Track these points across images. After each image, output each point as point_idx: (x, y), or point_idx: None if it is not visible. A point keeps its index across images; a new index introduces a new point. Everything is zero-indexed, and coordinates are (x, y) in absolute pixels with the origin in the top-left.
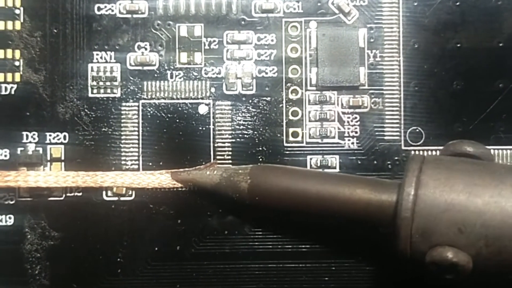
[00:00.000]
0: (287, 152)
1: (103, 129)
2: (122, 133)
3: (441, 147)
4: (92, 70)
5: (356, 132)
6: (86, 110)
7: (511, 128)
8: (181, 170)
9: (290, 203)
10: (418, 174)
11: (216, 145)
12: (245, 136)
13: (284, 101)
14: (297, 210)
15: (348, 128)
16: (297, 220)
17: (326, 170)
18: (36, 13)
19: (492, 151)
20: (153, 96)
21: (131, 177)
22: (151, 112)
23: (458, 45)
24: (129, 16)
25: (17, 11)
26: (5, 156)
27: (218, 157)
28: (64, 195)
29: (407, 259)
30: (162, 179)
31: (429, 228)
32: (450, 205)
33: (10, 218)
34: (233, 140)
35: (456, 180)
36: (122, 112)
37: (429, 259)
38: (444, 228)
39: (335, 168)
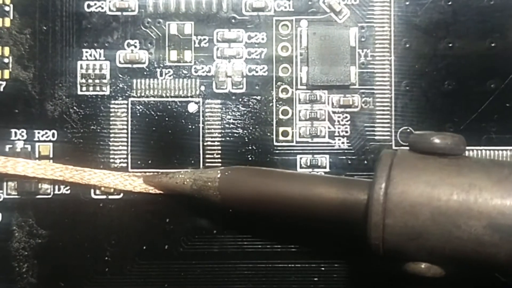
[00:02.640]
0: (277, 151)
1: (92, 127)
2: (111, 131)
3: None
4: (81, 68)
5: (346, 132)
6: (75, 107)
7: (503, 129)
8: (153, 175)
9: (263, 209)
10: (389, 172)
11: (205, 143)
12: (235, 135)
13: (274, 100)
14: (271, 214)
15: (339, 128)
16: (285, 221)
17: (316, 170)
18: (26, 10)
19: (484, 152)
20: (143, 94)
21: (106, 177)
22: (140, 110)
23: (450, 45)
24: (119, 13)
25: (6, 8)
26: None
27: (207, 155)
28: (52, 193)
29: (381, 256)
30: (136, 182)
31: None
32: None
33: None
34: (223, 139)
35: (424, 185)
36: (111, 110)
37: (403, 270)
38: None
39: (325, 167)
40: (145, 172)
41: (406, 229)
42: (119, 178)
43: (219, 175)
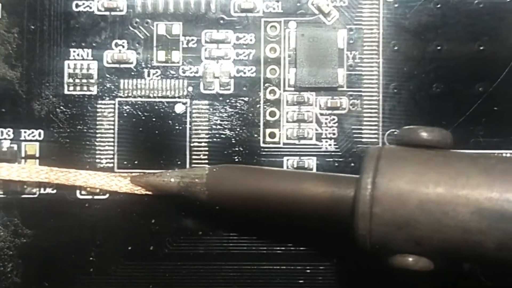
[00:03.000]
0: (264, 153)
1: (79, 126)
2: (97, 131)
3: None
4: (68, 67)
5: (334, 134)
6: (62, 107)
7: (491, 132)
8: (140, 175)
9: (250, 206)
10: (376, 163)
11: (192, 144)
12: (222, 136)
13: (261, 102)
14: (259, 211)
15: (326, 130)
16: (272, 221)
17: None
18: (14, 9)
19: None
20: (130, 94)
21: (92, 178)
22: (127, 110)
23: (439, 48)
24: (107, 13)
25: None
26: None
27: (194, 156)
28: (38, 193)
29: (368, 250)
30: (123, 183)
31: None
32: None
33: None
34: (210, 140)
35: (412, 174)
36: (98, 110)
37: (391, 265)
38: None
39: (312, 170)
40: (131, 173)
41: (394, 218)
42: (105, 179)
43: (206, 172)
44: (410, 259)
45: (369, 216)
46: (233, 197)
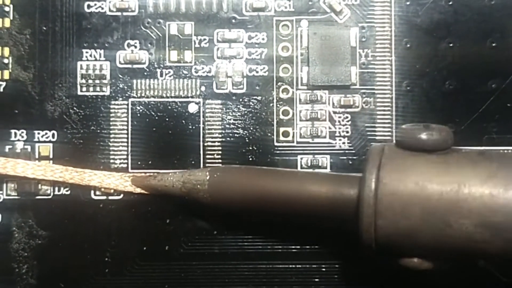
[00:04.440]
0: (278, 152)
1: (92, 127)
2: (111, 131)
3: None
4: (81, 68)
5: (347, 132)
6: (75, 108)
7: (504, 129)
8: (142, 177)
9: (254, 209)
10: (377, 173)
11: (205, 144)
12: (235, 135)
13: (274, 100)
14: (263, 214)
15: (339, 128)
16: (285, 221)
17: (316, 170)
18: (26, 11)
19: None
20: (143, 95)
21: (100, 177)
22: (140, 110)
23: (451, 45)
24: (119, 14)
25: (6, 8)
26: None
27: (207, 156)
28: (52, 194)
29: (373, 252)
30: (124, 183)
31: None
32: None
33: None
34: (223, 139)
35: (413, 185)
36: (111, 110)
37: (396, 266)
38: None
39: (326, 168)
40: (145, 173)
41: (397, 230)
42: (111, 179)
43: (208, 177)
44: (415, 260)
45: (373, 228)
46: (236, 200)
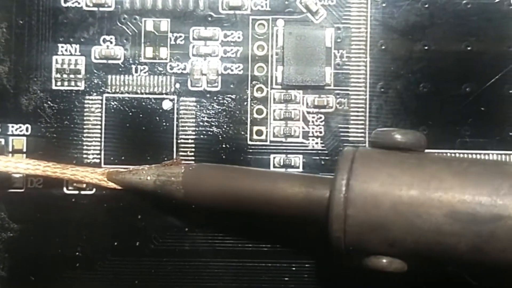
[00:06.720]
0: (251, 150)
1: (66, 122)
2: (84, 126)
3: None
4: (56, 63)
5: (320, 132)
6: (49, 102)
7: (477, 133)
8: (117, 171)
9: (226, 205)
10: (350, 166)
11: (179, 141)
12: (209, 133)
13: (249, 99)
14: (235, 210)
15: (313, 128)
16: (257, 219)
17: (289, 170)
18: (2, 4)
19: (458, 155)
20: (117, 90)
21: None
22: (115, 106)
23: (426, 48)
24: (95, 9)
25: None
26: None
27: (181, 153)
28: (24, 187)
29: (342, 252)
30: (98, 177)
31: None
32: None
33: None
34: (197, 137)
35: (385, 176)
36: (85, 105)
37: (365, 266)
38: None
39: (298, 167)
40: (118, 168)
41: (367, 220)
42: (81, 173)
43: (183, 171)
44: (384, 260)
45: (343, 218)
46: (209, 196)
